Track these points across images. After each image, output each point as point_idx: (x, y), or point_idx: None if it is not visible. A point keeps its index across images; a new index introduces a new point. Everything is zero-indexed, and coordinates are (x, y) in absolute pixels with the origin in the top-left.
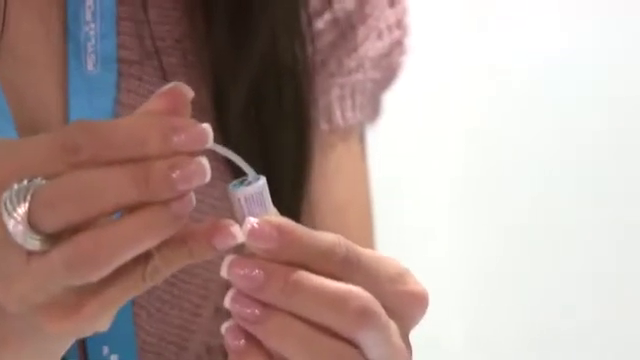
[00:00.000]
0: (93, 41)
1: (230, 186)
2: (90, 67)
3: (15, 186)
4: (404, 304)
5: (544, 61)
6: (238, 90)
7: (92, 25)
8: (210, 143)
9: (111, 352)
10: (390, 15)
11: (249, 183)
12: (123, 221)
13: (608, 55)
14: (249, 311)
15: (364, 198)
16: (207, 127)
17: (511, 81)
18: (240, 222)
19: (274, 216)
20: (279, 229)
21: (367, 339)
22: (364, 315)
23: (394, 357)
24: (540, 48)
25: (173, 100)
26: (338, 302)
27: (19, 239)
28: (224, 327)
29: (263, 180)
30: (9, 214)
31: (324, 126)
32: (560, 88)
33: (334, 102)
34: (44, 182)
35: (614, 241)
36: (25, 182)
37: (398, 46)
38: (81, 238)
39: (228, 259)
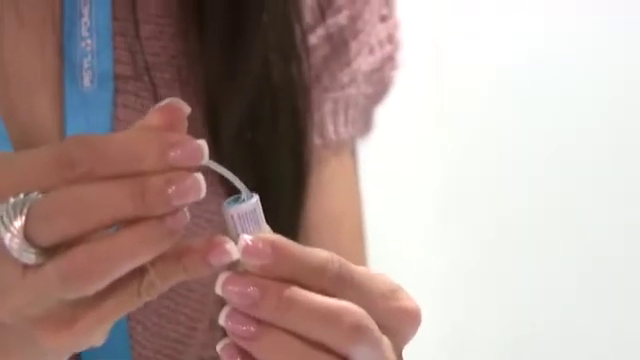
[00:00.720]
0: (89, 57)
1: (224, 204)
2: (87, 83)
3: (11, 200)
4: (397, 320)
5: (524, 63)
6: (232, 108)
7: (88, 41)
8: (205, 159)
9: None
10: (381, 30)
11: (243, 201)
12: (118, 235)
13: (583, 54)
14: (244, 328)
15: (357, 211)
16: (203, 143)
17: (493, 84)
18: (234, 239)
19: (268, 233)
20: (273, 246)
21: (360, 354)
22: (358, 331)
23: None
24: (516, 49)
25: (170, 115)
26: (332, 318)
27: (15, 253)
28: (219, 346)
29: (256, 198)
30: (5, 228)
31: (317, 141)
32: (541, 88)
33: (327, 117)
34: (40, 196)
35: (597, 241)
36: (21, 196)
37: (389, 61)
38: (76, 252)
39: (222, 276)
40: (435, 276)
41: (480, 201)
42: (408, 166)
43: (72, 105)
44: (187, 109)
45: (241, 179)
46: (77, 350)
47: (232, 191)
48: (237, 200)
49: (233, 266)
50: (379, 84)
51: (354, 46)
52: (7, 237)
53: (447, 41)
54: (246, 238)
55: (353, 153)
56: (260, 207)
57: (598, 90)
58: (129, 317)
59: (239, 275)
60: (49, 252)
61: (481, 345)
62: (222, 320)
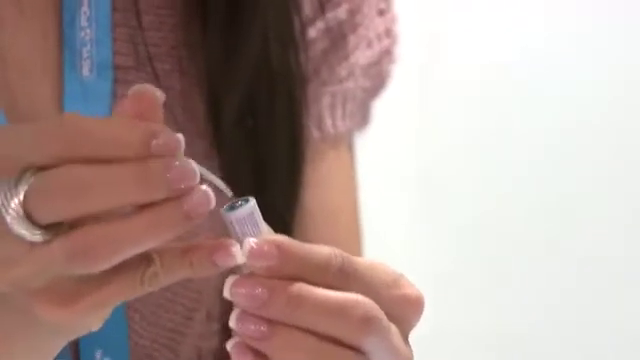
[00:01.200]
0: (88, 46)
1: (222, 211)
2: (86, 73)
3: (8, 179)
4: (401, 308)
5: (512, 60)
6: (232, 98)
7: (87, 31)
8: (181, 150)
9: (104, 355)
10: (379, 24)
11: (240, 205)
12: (131, 216)
13: (568, 49)
14: (255, 329)
15: (353, 204)
16: (180, 136)
17: (480, 81)
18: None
19: (270, 234)
20: (278, 247)
21: (371, 345)
22: (368, 322)
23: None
24: (505, 47)
25: (139, 103)
26: (342, 311)
27: (20, 232)
28: (229, 344)
29: (253, 201)
30: (5, 209)
31: (315, 134)
32: (527, 85)
33: (325, 110)
34: (34, 173)
35: (580, 234)
36: (15, 176)
37: (387, 55)
38: (85, 229)
39: (230, 280)
40: (416, 271)
41: (461, 196)
42: (388, 161)
43: (71, 94)
44: (161, 96)
45: (240, 170)
46: (73, 332)
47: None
48: (234, 205)
49: (238, 269)
50: (377, 78)
51: (352, 40)
52: (8, 217)
53: (435, 36)
54: (251, 241)
55: (350, 147)
56: (257, 209)
57: (582, 85)
58: (127, 306)
59: (246, 277)
60: (55, 229)
61: (464, 339)
62: (232, 323)
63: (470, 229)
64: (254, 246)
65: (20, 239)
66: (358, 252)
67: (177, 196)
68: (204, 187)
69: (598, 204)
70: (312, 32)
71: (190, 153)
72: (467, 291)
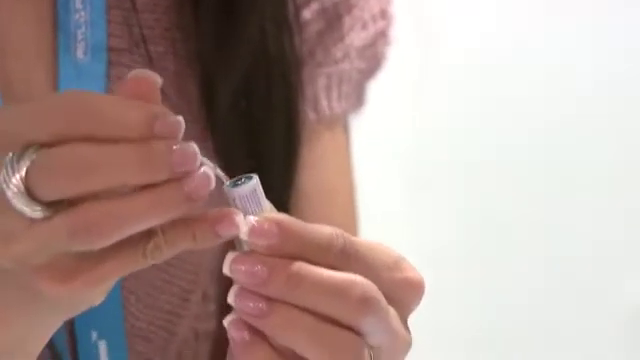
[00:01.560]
0: (83, 29)
1: (224, 187)
2: (80, 55)
3: (10, 155)
4: (402, 291)
5: (506, 48)
6: (227, 81)
7: (82, 13)
8: (181, 135)
9: (99, 337)
10: (374, 5)
11: (243, 182)
12: (134, 195)
13: (561, 43)
14: (254, 306)
15: (349, 186)
16: (181, 119)
17: (474, 66)
18: None
19: (271, 212)
20: (279, 225)
21: (369, 326)
22: (366, 302)
23: (395, 342)
24: (485, 45)
25: (137, 87)
26: (340, 291)
27: (20, 208)
28: (226, 321)
29: (255, 178)
30: (6, 184)
31: (311, 115)
32: (518, 75)
33: (321, 91)
34: (37, 150)
35: (566, 224)
36: (17, 152)
37: (382, 36)
38: (87, 206)
39: (229, 257)
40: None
41: (451, 183)
42: (383, 145)
43: (66, 76)
44: (158, 80)
45: (236, 152)
46: (74, 307)
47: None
48: (237, 182)
49: (239, 246)
50: (372, 59)
51: (347, 21)
52: (9, 193)
53: (430, 19)
54: (252, 219)
55: (346, 128)
56: (260, 187)
57: (581, 75)
58: (122, 287)
59: (246, 254)
60: (56, 206)
61: (451, 325)
62: (231, 299)
63: (466, 213)
64: (255, 224)
65: (20, 215)
66: (354, 233)
67: (178, 178)
68: (204, 169)
69: (597, 201)
70: (307, 13)
71: (184, 136)
72: (461, 277)
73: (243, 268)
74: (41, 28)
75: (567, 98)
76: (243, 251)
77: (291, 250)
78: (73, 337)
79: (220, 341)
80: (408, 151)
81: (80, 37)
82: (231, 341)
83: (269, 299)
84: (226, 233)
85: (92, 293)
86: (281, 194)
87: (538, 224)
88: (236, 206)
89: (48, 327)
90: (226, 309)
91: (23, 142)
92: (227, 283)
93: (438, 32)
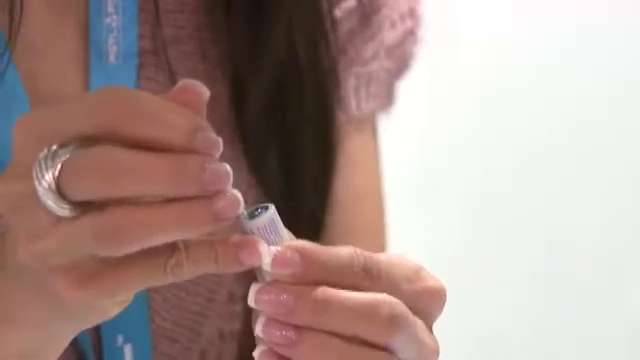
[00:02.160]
0: (115, 33)
1: (242, 218)
2: (112, 59)
3: (45, 151)
4: (424, 300)
5: (515, 56)
6: (257, 85)
7: (114, 17)
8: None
9: (125, 341)
10: (403, 4)
11: (260, 213)
12: (162, 204)
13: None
14: (282, 335)
15: (378, 187)
16: (221, 140)
17: (481, 72)
18: None
19: (291, 240)
20: (301, 253)
21: (400, 342)
22: (395, 320)
23: (424, 353)
24: (489, 46)
25: (188, 97)
26: (368, 312)
27: (49, 205)
28: (256, 352)
29: (272, 208)
30: (39, 180)
31: (340, 116)
32: (526, 79)
33: (350, 92)
34: (73, 149)
35: (569, 225)
36: (55, 147)
37: (410, 35)
38: (115, 210)
39: (254, 288)
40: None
41: (461, 185)
42: (389, 147)
43: (96, 81)
44: (206, 93)
45: (264, 155)
46: (88, 317)
47: (251, 169)
48: (253, 214)
49: (260, 277)
50: (400, 59)
51: (377, 20)
52: (40, 190)
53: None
54: (274, 249)
55: (374, 129)
56: (277, 216)
57: (585, 81)
58: (148, 288)
59: (270, 284)
60: (84, 207)
61: (456, 329)
62: (259, 331)
63: (474, 215)
64: (277, 254)
65: (49, 212)
66: (384, 235)
67: (208, 195)
68: (235, 191)
69: (600, 204)
70: (338, 12)
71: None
72: (467, 279)
73: (269, 298)
74: (71, 32)
75: (584, 101)
76: (266, 281)
77: (314, 276)
78: (99, 340)
79: (246, 342)
80: (418, 153)
81: (112, 41)
82: None
83: (297, 327)
84: (248, 261)
85: (107, 302)
86: (315, 202)
87: (548, 226)
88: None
89: (62, 336)
90: (251, 309)
91: (67, 133)
92: (252, 281)
93: (450, 33)
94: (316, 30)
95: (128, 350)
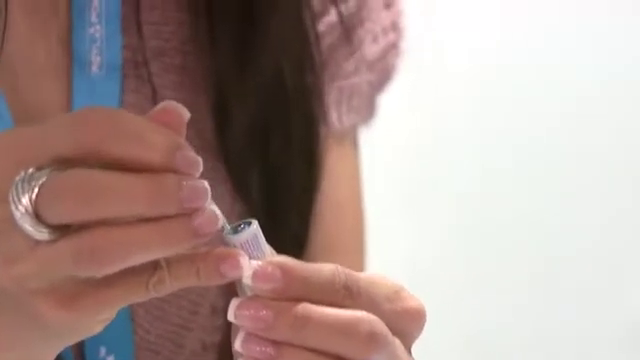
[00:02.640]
0: (98, 43)
1: (224, 235)
2: (95, 70)
3: (22, 174)
4: (404, 321)
5: (486, 61)
6: (242, 104)
7: (97, 27)
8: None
9: (108, 353)
10: (385, 17)
11: (243, 229)
12: (141, 224)
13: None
14: (262, 351)
15: (359, 200)
16: (200, 160)
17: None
18: None
19: (273, 256)
20: (282, 268)
21: None
22: (374, 338)
23: None
24: (479, 47)
25: (170, 118)
26: (347, 329)
27: (26, 229)
28: None
29: (255, 223)
30: (15, 204)
31: (322, 129)
32: (500, 86)
33: (332, 105)
34: (49, 172)
35: (564, 224)
36: (31, 170)
37: (393, 49)
38: (94, 232)
39: (234, 303)
40: (400, 264)
41: (447, 189)
42: (377, 152)
43: (80, 92)
44: (187, 114)
45: (249, 176)
46: (73, 335)
47: (233, 179)
48: (237, 229)
49: (241, 292)
50: (382, 72)
51: (359, 34)
52: (17, 213)
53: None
54: (255, 264)
55: (355, 141)
56: (260, 231)
57: (580, 77)
58: None
59: (250, 299)
60: (63, 230)
61: (449, 331)
62: (237, 346)
63: (465, 217)
64: (258, 268)
65: (26, 236)
66: (362, 247)
67: (187, 213)
68: (213, 207)
69: (594, 205)
70: (321, 26)
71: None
72: (453, 287)
73: (248, 313)
74: (54, 43)
75: (572, 102)
76: (247, 296)
77: (295, 292)
78: (82, 352)
79: (226, 352)
80: (406, 157)
81: (95, 51)
82: None
83: (276, 343)
84: (230, 273)
85: (92, 321)
86: (298, 220)
87: (539, 227)
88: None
89: (47, 353)
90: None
91: (45, 154)
92: (235, 296)
93: (440, 38)
94: (302, 51)
95: None
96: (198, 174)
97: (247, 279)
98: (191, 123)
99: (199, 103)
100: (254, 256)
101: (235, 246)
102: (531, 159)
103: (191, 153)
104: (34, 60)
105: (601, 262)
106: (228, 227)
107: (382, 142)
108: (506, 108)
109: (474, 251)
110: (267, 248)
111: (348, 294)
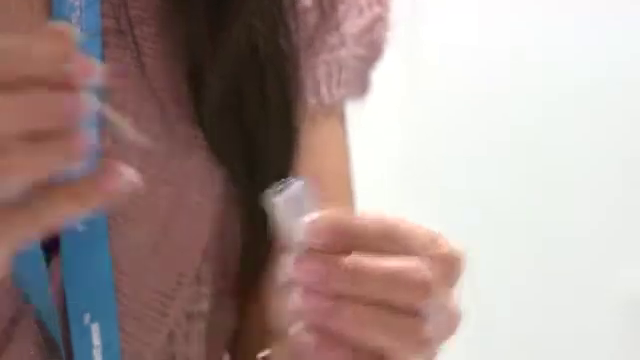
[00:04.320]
0: (78, 12)
1: (270, 194)
2: None
3: None
4: (446, 266)
5: (496, 45)
6: (216, 69)
7: None
8: (98, 79)
9: (92, 320)
10: None
11: (285, 187)
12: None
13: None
14: (321, 305)
15: (347, 173)
16: (99, 65)
17: (462, 62)
18: (288, 226)
19: (319, 211)
20: (331, 223)
21: (429, 308)
22: (427, 285)
23: (451, 321)
24: (469, 43)
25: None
26: (402, 277)
27: None
28: (293, 329)
29: (300, 181)
30: None
31: (312, 102)
32: (507, 70)
33: (321, 79)
34: None
35: (560, 216)
36: None
37: (379, 21)
38: None
39: (289, 260)
40: None
41: (441, 179)
42: (371, 146)
43: None
44: (78, 35)
45: (227, 142)
46: None
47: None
48: (280, 188)
49: (294, 250)
50: (371, 45)
51: (343, 8)
52: None
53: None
54: (307, 220)
55: (342, 116)
56: (306, 188)
57: (570, 69)
58: (115, 269)
59: (305, 255)
60: None
61: None
62: (295, 302)
63: (455, 216)
64: (309, 225)
65: None
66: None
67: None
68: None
69: (589, 198)
70: (306, 1)
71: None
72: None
73: (305, 268)
74: (34, 13)
75: (562, 97)
76: (298, 253)
77: (344, 245)
78: (66, 320)
79: (213, 322)
80: (400, 151)
81: (75, 20)
82: (304, 346)
83: (333, 297)
84: (113, 187)
85: None
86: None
87: (534, 213)
88: (285, 211)
89: None
90: (218, 291)
91: None
92: (220, 265)
93: (430, 31)
94: (276, 17)
95: (95, 329)
96: (95, 77)
97: (299, 237)
98: (168, 90)
99: (176, 70)
100: (300, 213)
101: (280, 204)
102: (524, 153)
103: (83, 60)
104: (14, 29)
105: (596, 237)
106: (275, 189)
107: (374, 136)
108: (501, 103)
109: (473, 229)
110: (311, 204)
111: (391, 242)
